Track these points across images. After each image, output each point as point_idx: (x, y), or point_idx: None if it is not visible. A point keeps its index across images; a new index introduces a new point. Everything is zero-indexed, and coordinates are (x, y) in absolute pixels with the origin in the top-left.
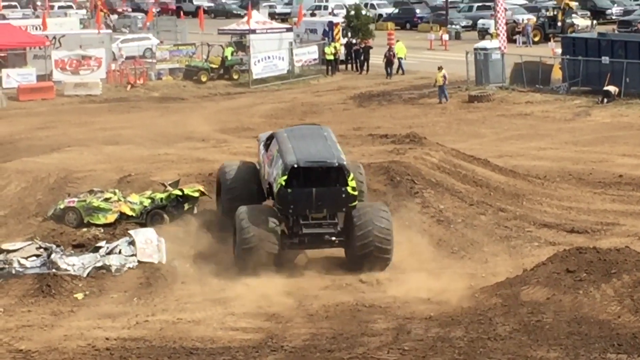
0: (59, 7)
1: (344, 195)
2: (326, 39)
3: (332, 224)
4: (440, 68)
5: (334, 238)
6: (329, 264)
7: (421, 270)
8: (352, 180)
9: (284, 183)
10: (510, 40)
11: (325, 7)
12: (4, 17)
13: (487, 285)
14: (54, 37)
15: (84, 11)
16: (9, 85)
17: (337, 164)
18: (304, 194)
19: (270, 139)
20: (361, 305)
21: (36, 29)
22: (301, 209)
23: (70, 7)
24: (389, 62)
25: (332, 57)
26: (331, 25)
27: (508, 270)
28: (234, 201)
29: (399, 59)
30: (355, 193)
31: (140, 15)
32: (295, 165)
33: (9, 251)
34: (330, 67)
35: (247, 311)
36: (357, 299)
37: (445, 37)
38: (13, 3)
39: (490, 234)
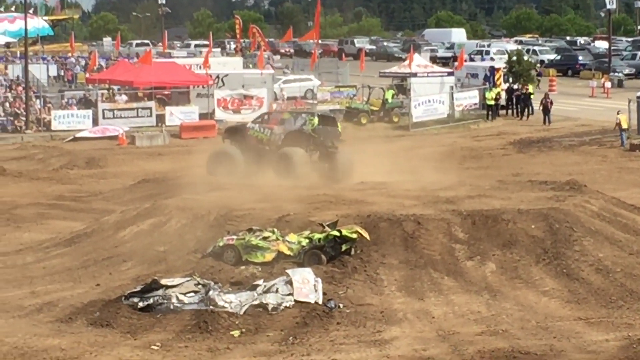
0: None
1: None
2: (487, 83)
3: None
4: (619, 112)
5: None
6: (478, 310)
7: (578, 319)
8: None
9: (316, 122)
10: None
11: (487, 52)
12: (169, 56)
13: None
14: (217, 76)
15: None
16: (171, 122)
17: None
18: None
19: (266, 114)
20: (517, 352)
21: (200, 67)
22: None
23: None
24: (545, 109)
25: (492, 102)
26: (492, 70)
27: None
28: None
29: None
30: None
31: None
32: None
33: (167, 287)
34: (490, 112)
35: (402, 354)
36: (513, 345)
37: (608, 84)
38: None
39: None
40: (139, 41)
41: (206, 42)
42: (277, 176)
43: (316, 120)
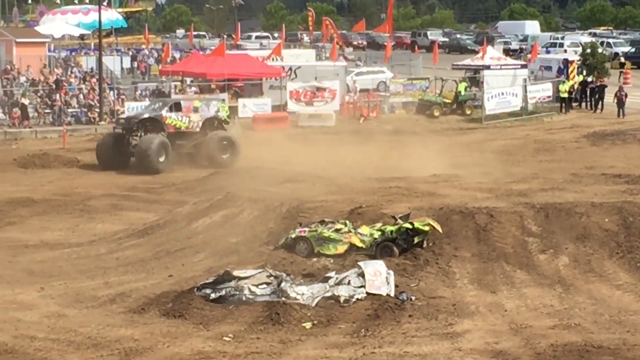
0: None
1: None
2: (561, 76)
3: None
4: None
5: None
6: (550, 303)
7: None
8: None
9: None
10: None
11: (561, 45)
12: (241, 48)
13: None
14: (290, 69)
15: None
16: (244, 114)
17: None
18: None
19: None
20: (590, 346)
21: (273, 59)
22: None
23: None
24: (619, 102)
25: (566, 95)
26: (566, 62)
27: None
28: None
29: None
30: None
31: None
32: None
33: (240, 278)
34: (564, 105)
35: (474, 347)
36: (586, 339)
37: None
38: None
39: None
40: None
41: (265, 34)
42: (209, 161)
43: (227, 106)
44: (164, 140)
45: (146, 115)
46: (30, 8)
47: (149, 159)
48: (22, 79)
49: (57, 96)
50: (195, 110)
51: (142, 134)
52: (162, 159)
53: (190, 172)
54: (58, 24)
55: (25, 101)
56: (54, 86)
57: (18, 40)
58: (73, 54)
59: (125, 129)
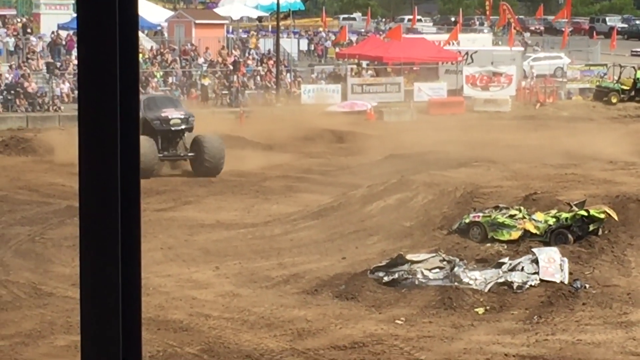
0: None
1: None
2: None
3: None
4: None
5: None
6: None
7: None
8: None
9: None
10: None
11: None
12: (418, 32)
13: None
14: (467, 53)
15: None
16: (419, 98)
17: None
18: None
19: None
20: None
21: (451, 44)
22: None
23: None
24: None
25: None
26: None
27: None
28: None
29: None
30: None
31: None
32: None
33: (413, 262)
34: None
35: None
36: None
37: None
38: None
39: None
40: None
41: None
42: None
43: None
44: None
45: None
46: None
47: None
48: (201, 60)
49: (235, 78)
50: None
51: None
52: None
53: (364, 155)
54: (236, 6)
55: (206, 82)
56: (231, 67)
57: (197, 21)
58: (253, 34)
59: None
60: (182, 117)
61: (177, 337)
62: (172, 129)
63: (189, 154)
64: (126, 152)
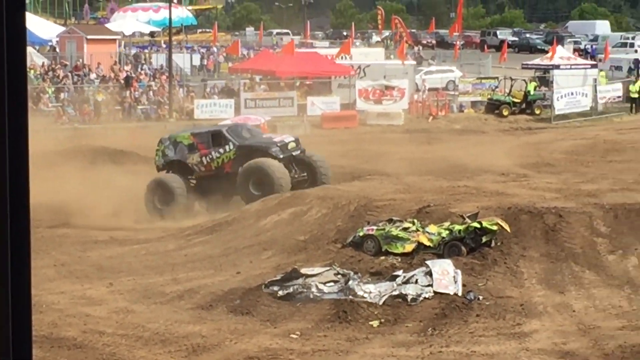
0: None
1: None
2: (631, 76)
3: None
4: None
5: None
6: (619, 304)
7: None
8: None
9: None
10: None
11: (632, 45)
12: (311, 46)
13: None
14: (359, 67)
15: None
16: (312, 112)
17: None
18: None
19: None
20: None
21: (343, 58)
22: None
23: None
24: None
25: (636, 95)
26: (637, 62)
27: None
28: None
29: None
30: None
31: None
32: None
33: (307, 276)
34: (634, 105)
35: (542, 347)
36: None
37: None
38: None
39: None
40: (279, 30)
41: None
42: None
43: None
44: None
45: None
46: (101, 5)
47: None
48: (93, 75)
49: (127, 93)
50: None
51: None
52: None
53: None
54: (128, 21)
55: (99, 98)
56: (124, 83)
57: (89, 37)
58: (145, 50)
59: None
60: (294, 139)
61: (71, 354)
62: (293, 153)
63: (302, 174)
64: (14, 170)
